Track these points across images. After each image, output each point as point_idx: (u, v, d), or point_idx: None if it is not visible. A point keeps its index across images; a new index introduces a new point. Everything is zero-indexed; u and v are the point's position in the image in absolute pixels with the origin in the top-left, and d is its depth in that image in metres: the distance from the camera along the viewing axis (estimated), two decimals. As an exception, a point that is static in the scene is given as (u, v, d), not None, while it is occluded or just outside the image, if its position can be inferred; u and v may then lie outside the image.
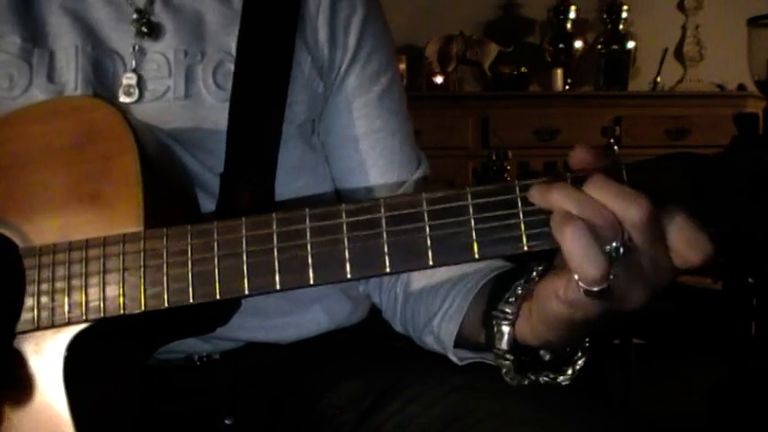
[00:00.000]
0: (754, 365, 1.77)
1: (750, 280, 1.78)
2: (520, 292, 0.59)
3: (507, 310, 0.59)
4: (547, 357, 0.61)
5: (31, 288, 0.63)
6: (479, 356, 0.70)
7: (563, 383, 0.60)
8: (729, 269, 1.79)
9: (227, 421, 0.77)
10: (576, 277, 0.50)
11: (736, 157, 0.51)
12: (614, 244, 0.49)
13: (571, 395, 0.65)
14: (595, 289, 0.50)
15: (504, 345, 0.59)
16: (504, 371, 0.60)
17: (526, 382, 0.60)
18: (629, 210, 0.49)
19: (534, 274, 0.58)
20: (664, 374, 2.68)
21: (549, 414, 0.64)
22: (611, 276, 0.50)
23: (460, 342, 0.72)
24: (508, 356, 0.60)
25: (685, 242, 0.50)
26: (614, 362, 2.26)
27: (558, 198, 0.50)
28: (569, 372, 0.60)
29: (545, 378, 0.60)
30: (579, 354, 0.60)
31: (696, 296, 1.95)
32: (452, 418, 0.67)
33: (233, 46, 0.79)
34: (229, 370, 0.79)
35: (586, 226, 0.49)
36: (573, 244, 0.49)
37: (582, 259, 0.49)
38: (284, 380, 0.80)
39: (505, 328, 0.59)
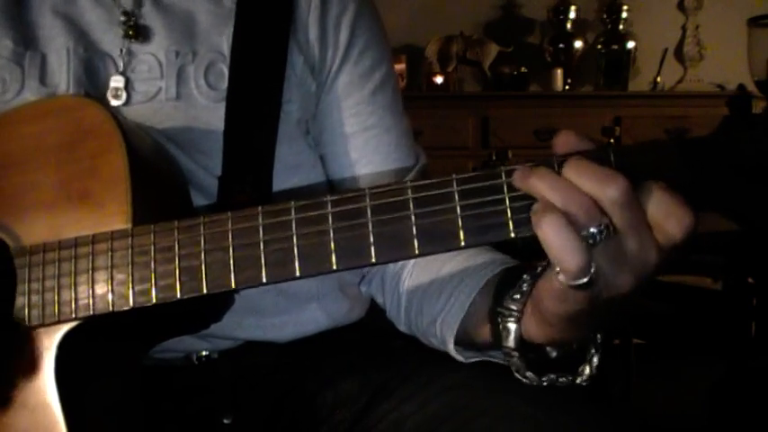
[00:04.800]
0: (754, 365, 1.77)
1: (750, 280, 1.78)
2: (525, 288, 0.58)
3: (513, 307, 0.59)
4: (553, 354, 0.61)
5: (21, 287, 0.63)
6: (485, 356, 0.70)
7: (582, 384, 0.59)
8: (729, 269, 1.79)
9: (225, 420, 0.77)
10: (558, 269, 0.50)
11: (734, 138, 0.49)
12: (592, 229, 0.49)
13: (566, 393, 0.64)
14: (578, 282, 0.49)
15: (510, 342, 0.59)
16: (514, 369, 0.60)
17: (545, 383, 0.59)
18: (606, 190, 0.48)
19: (539, 270, 0.57)
20: (664, 374, 2.68)
21: (542, 411, 0.63)
22: (592, 268, 0.49)
23: (466, 340, 0.71)
24: (515, 354, 0.59)
25: (664, 214, 0.49)
26: (614, 362, 2.26)
27: (535, 183, 0.50)
28: (587, 371, 0.59)
29: (563, 379, 0.59)
30: (592, 351, 0.59)
31: (696, 296, 1.95)
32: (447, 416, 0.67)
33: (224, 46, 0.79)
34: (228, 369, 0.79)
35: (563, 217, 0.48)
36: (550, 236, 0.49)
37: (560, 251, 0.49)
38: (283, 379, 0.80)
39: (511, 326, 0.59)
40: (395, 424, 0.71)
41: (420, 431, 0.68)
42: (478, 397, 0.67)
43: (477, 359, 0.71)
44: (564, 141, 0.52)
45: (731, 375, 1.81)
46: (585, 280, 0.49)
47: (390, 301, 0.85)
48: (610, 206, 0.48)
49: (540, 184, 0.49)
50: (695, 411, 1.97)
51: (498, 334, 0.60)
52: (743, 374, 1.78)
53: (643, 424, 0.65)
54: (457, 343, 0.71)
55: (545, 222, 0.49)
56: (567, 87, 3.58)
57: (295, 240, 0.55)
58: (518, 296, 0.58)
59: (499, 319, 0.60)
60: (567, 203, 0.49)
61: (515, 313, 0.59)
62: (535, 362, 0.61)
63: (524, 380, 0.59)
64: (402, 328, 0.84)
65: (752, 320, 1.80)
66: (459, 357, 0.71)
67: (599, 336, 0.59)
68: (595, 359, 0.59)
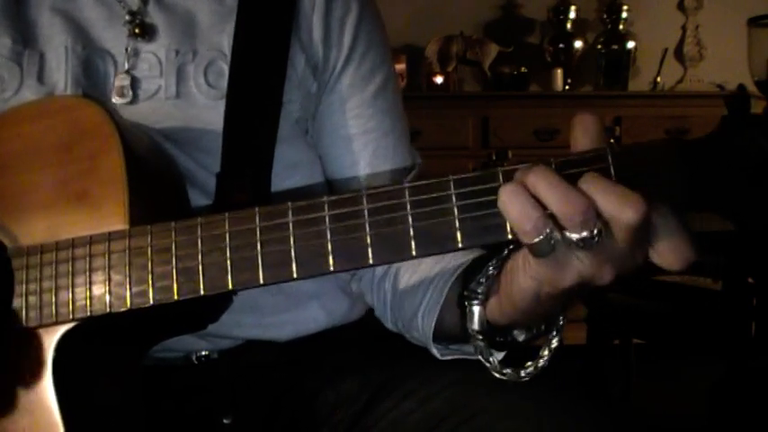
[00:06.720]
0: (754, 365, 1.77)
1: (750, 280, 1.78)
2: (491, 271, 0.58)
3: (477, 290, 0.59)
4: (521, 338, 0.61)
5: (18, 288, 0.63)
6: (459, 353, 0.70)
7: (544, 366, 0.59)
8: (729, 269, 1.79)
9: (225, 420, 0.77)
10: (522, 241, 0.49)
11: (732, 140, 0.49)
12: (585, 233, 0.48)
13: (565, 390, 0.65)
14: (531, 242, 0.49)
15: (475, 325, 0.59)
16: (478, 353, 0.60)
17: (506, 377, 0.59)
18: (623, 210, 0.47)
19: (506, 252, 0.57)
20: (664, 374, 2.68)
21: (542, 410, 0.63)
22: (547, 228, 0.48)
23: (443, 334, 0.71)
24: (479, 336, 0.59)
25: (669, 246, 0.49)
26: (614, 362, 2.26)
27: (533, 178, 0.49)
28: (546, 352, 0.59)
29: (524, 373, 0.59)
30: (554, 333, 0.59)
31: (696, 296, 1.95)
32: (447, 414, 0.67)
33: (225, 44, 0.79)
34: (227, 368, 0.79)
35: (519, 185, 0.48)
36: (507, 202, 0.48)
37: (517, 215, 0.48)
38: (282, 378, 0.80)
39: (475, 308, 0.59)
40: (395, 422, 0.70)
41: (420, 429, 0.68)
42: (479, 394, 0.67)
43: (452, 357, 0.71)
44: (583, 123, 0.51)
45: (731, 375, 1.81)
46: (539, 239, 0.49)
47: (377, 298, 0.85)
48: (625, 226, 0.47)
49: (538, 180, 0.48)
50: (695, 411, 1.97)
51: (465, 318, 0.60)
52: (743, 374, 1.78)
53: (643, 424, 0.65)
54: (436, 335, 0.71)
55: (503, 190, 0.49)
56: (567, 87, 3.58)
57: (292, 242, 0.55)
58: (483, 279, 0.59)
59: (466, 303, 0.60)
60: (564, 205, 0.48)
61: (479, 296, 0.59)
62: (501, 345, 0.61)
63: (487, 364, 0.59)
64: (389, 325, 0.84)
65: (752, 320, 1.80)
66: (437, 353, 0.72)
67: (561, 318, 0.59)
68: (555, 341, 0.59)
